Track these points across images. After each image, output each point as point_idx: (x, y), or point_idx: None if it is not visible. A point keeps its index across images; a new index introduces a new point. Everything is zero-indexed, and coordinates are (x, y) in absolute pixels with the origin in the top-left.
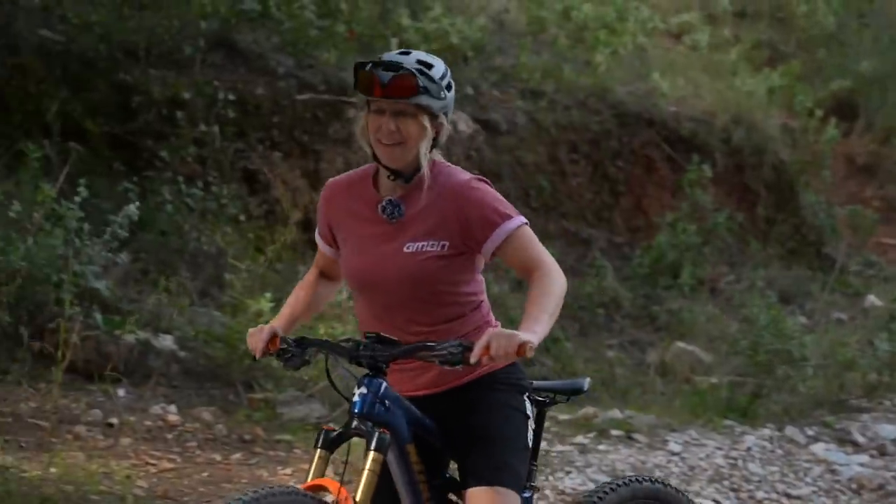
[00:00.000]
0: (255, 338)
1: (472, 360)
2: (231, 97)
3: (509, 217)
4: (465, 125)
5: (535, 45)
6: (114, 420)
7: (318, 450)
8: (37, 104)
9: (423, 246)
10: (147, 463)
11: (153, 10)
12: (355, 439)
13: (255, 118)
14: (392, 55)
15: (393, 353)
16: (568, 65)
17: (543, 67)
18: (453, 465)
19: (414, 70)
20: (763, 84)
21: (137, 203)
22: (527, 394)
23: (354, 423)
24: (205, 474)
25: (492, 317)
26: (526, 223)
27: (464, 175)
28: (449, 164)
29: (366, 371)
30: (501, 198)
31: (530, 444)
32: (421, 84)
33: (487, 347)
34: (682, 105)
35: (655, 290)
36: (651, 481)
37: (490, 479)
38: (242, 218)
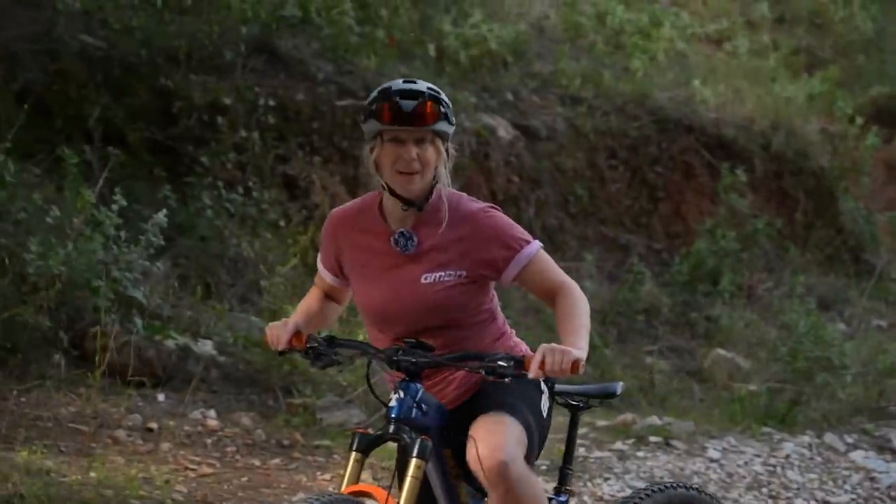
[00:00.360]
0: (278, 330)
1: (531, 376)
2: (271, 103)
3: (527, 242)
4: (505, 131)
5: (574, 51)
6: (153, 425)
7: (354, 453)
8: (78, 109)
9: (440, 276)
10: (186, 468)
11: (194, 15)
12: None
13: (295, 124)
14: (403, 84)
15: (437, 361)
16: (607, 70)
17: (583, 73)
18: None
19: (435, 97)
20: (802, 90)
21: (166, 212)
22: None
23: (391, 427)
24: (244, 479)
25: (507, 326)
26: (542, 246)
27: (477, 203)
28: (459, 192)
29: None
30: (515, 224)
31: (546, 412)
32: (441, 110)
33: (542, 362)
34: (721, 111)
35: (694, 296)
36: (686, 488)
37: (494, 409)
38: (282, 223)
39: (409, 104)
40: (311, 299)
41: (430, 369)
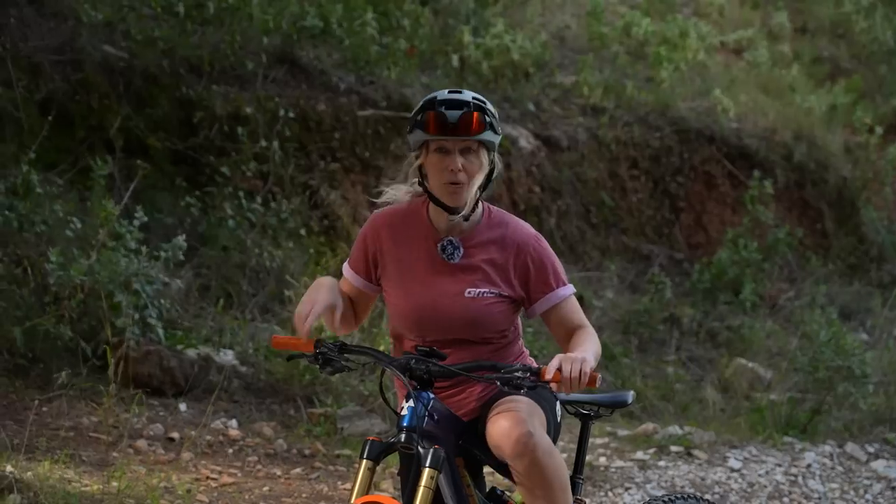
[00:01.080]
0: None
1: (547, 377)
2: (292, 113)
3: (564, 284)
4: (527, 141)
5: (596, 62)
6: (175, 434)
7: (364, 461)
8: (100, 119)
9: (484, 293)
10: (208, 477)
11: (216, 26)
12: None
13: (316, 134)
14: (449, 94)
15: (450, 370)
16: (629, 81)
17: (604, 84)
18: (500, 479)
19: (480, 107)
20: (824, 100)
21: (184, 236)
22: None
23: (403, 436)
24: (265, 489)
25: (524, 347)
26: (574, 292)
27: (530, 229)
28: (508, 213)
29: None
30: (558, 260)
31: (558, 417)
32: (487, 119)
33: (559, 370)
34: (742, 121)
35: (716, 306)
36: (696, 499)
37: (510, 395)
38: (303, 233)
39: (454, 114)
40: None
41: (452, 381)
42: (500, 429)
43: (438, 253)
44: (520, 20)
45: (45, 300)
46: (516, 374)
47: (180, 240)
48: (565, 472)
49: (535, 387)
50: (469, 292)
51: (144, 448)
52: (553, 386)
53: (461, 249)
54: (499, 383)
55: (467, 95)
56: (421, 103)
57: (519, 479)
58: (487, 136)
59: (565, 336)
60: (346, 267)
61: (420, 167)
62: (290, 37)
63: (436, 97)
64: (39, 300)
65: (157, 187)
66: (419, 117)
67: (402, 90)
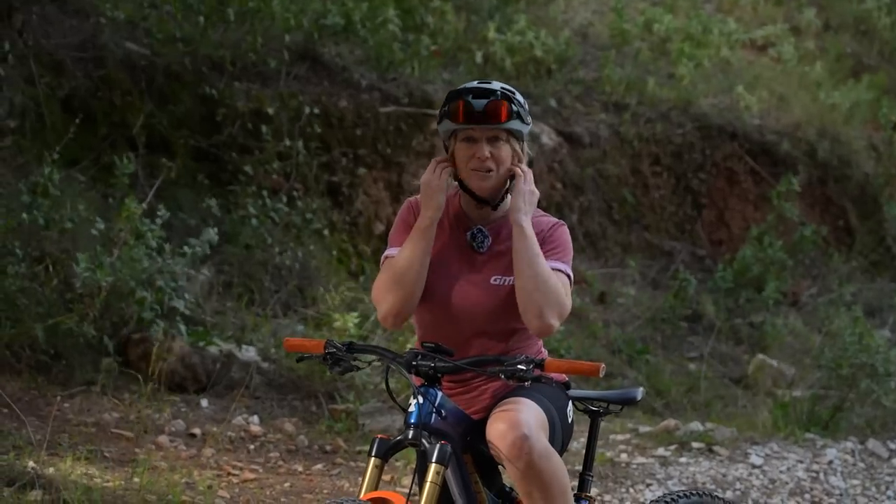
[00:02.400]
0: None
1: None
2: (315, 110)
3: (561, 262)
4: (549, 138)
5: (619, 58)
6: (197, 430)
7: (373, 458)
8: (122, 117)
9: (509, 280)
10: (229, 473)
11: (238, 23)
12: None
13: (338, 131)
14: (477, 84)
15: (457, 365)
16: (651, 77)
17: (627, 80)
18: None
19: (507, 96)
20: (847, 97)
21: (216, 229)
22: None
23: (410, 432)
24: (286, 485)
25: (544, 350)
26: (570, 278)
27: (550, 217)
28: (535, 207)
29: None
30: (570, 250)
31: (570, 418)
32: (514, 108)
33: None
34: (765, 118)
35: (738, 302)
36: (711, 496)
37: (514, 395)
38: (326, 231)
39: (480, 102)
40: None
41: (463, 380)
42: (496, 431)
43: (468, 241)
44: (543, 17)
45: (67, 297)
46: (519, 366)
47: (211, 231)
48: (563, 475)
49: (541, 379)
50: (495, 280)
51: (166, 444)
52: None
53: (489, 239)
54: (502, 376)
55: (496, 85)
56: (451, 94)
57: (516, 481)
58: (514, 124)
59: None
60: (389, 251)
61: (451, 157)
62: (311, 34)
63: (464, 87)
64: (62, 297)
65: (179, 185)
66: (447, 107)
67: (423, 87)
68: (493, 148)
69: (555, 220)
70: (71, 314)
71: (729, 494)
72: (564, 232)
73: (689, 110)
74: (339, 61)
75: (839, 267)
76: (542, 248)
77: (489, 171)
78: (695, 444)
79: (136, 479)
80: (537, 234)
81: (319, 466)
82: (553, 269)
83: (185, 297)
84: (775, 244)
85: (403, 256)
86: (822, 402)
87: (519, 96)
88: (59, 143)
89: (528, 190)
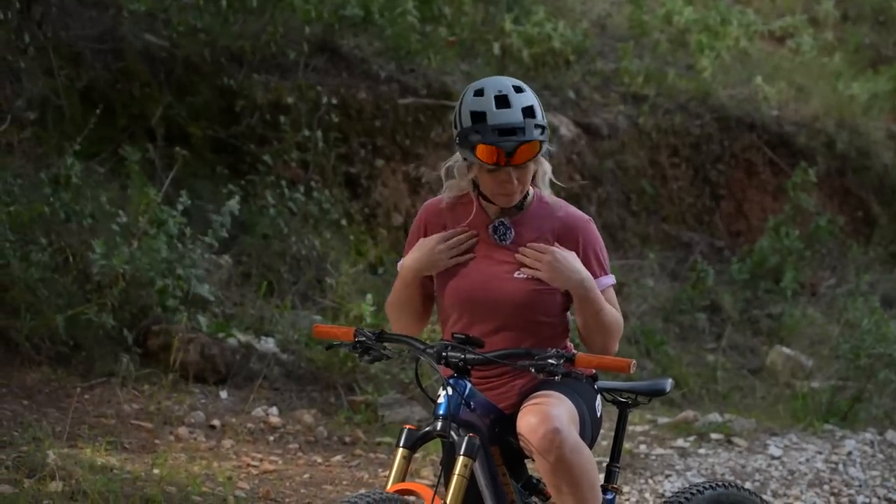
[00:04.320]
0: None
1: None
2: (333, 101)
3: (606, 273)
4: (567, 129)
5: (637, 49)
6: (216, 422)
7: (401, 449)
8: (141, 108)
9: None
10: (249, 464)
11: (257, 15)
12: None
13: (357, 122)
14: (498, 110)
15: (488, 357)
16: (670, 69)
17: (645, 71)
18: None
19: (536, 137)
20: (866, 88)
21: (238, 198)
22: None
23: (439, 424)
24: (306, 476)
25: (571, 345)
26: (614, 283)
27: (578, 212)
28: (557, 197)
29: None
30: (604, 248)
31: (599, 412)
32: (541, 140)
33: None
34: (784, 109)
35: (756, 294)
36: (737, 488)
37: (544, 390)
38: (344, 222)
39: (509, 146)
40: None
41: (493, 373)
42: (527, 424)
43: (490, 234)
44: (561, 8)
45: (87, 288)
46: (549, 360)
47: (234, 202)
48: (593, 469)
49: (570, 374)
50: (519, 273)
51: (186, 435)
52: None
53: (512, 231)
54: (532, 370)
55: (516, 109)
56: (469, 120)
57: (546, 475)
58: (541, 154)
59: None
60: (401, 263)
61: (467, 171)
62: (331, 26)
63: (484, 114)
64: (82, 288)
65: (197, 176)
66: (471, 139)
67: (442, 78)
68: (518, 174)
69: (583, 216)
70: (90, 304)
71: (748, 485)
72: (596, 231)
73: (707, 102)
74: (358, 53)
75: (858, 258)
76: (588, 263)
77: (513, 194)
78: (713, 436)
79: (155, 471)
80: (570, 240)
81: (339, 457)
82: (603, 290)
83: (205, 285)
84: (792, 234)
85: (394, 297)
86: (840, 392)
87: (538, 111)
88: (79, 135)
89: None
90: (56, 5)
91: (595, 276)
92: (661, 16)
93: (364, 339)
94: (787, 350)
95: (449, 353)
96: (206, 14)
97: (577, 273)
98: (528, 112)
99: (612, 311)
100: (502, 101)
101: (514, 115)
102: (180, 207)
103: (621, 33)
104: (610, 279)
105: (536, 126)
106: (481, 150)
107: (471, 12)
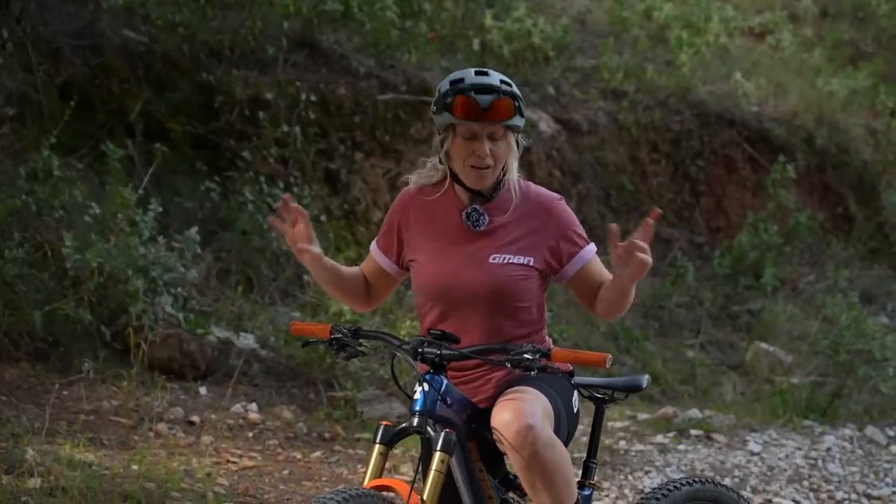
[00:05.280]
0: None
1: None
2: (313, 97)
3: (587, 241)
4: (547, 125)
5: (617, 45)
6: (195, 418)
7: (377, 445)
8: (120, 104)
9: (509, 258)
10: (228, 461)
11: (236, 10)
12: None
13: (336, 118)
14: (477, 77)
15: (463, 353)
16: (650, 65)
17: (625, 67)
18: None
19: (510, 92)
20: (845, 84)
21: (196, 228)
22: (572, 381)
23: (415, 420)
24: (285, 472)
25: (549, 339)
26: (597, 249)
27: (548, 192)
28: (526, 180)
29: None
30: (577, 220)
31: (576, 408)
32: (516, 105)
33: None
34: (764, 105)
35: (736, 289)
36: (715, 484)
37: (519, 385)
38: (323, 218)
39: (485, 100)
40: (346, 267)
41: (469, 368)
42: (502, 420)
43: (463, 220)
44: (541, 4)
45: (64, 284)
46: (525, 355)
47: (193, 232)
48: (567, 465)
49: (546, 369)
50: (494, 258)
51: (165, 431)
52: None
53: (486, 217)
54: (508, 364)
55: (495, 78)
56: (447, 85)
57: (520, 471)
58: (515, 121)
59: (595, 294)
60: (373, 245)
61: (443, 149)
62: (310, 21)
63: (463, 79)
64: (59, 284)
65: (177, 171)
66: (448, 100)
67: (422, 74)
68: (492, 144)
69: (554, 196)
70: (67, 300)
71: (727, 481)
72: (567, 208)
73: (687, 97)
74: (338, 48)
75: (837, 254)
76: (569, 240)
77: (487, 167)
78: (693, 432)
79: (134, 467)
80: (545, 221)
81: (318, 454)
82: (591, 259)
83: (177, 289)
84: (771, 230)
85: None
86: (820, 388)
87: (517, 89)
88: (57, 132)
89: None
90: (35, 1)
91: (581, 247)
92: (641, 12)
93: (340, 335)
94: (766, 346)
95: (425, 350)
96: (184, 9)
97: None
98: (507, 85)
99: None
100: (481, 73)
101: (492, 80)
102: (151, 214)
103: (601, 29)
104: (593, 246)
105: (516, 101)
106: (458, 103)
107: (451, 8)
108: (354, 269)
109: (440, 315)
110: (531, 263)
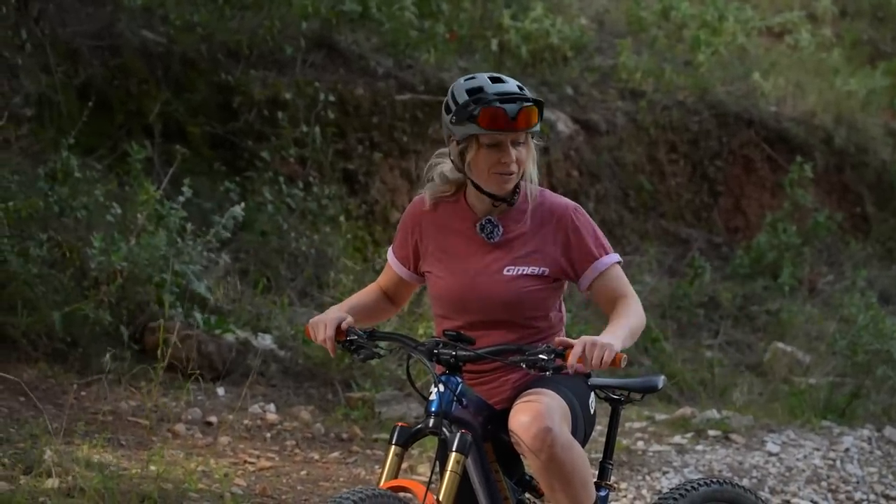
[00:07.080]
0: (321, 330)
1: (568, 363)
2: (331, 98)
3: (607, 252)
4: (565, 125)
5: (635, 45)
6: (213, 419)
7: (393, 446)
8: (138, 105)
9: (523, 270)
10: (245, 461)
11: (255, 10)
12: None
13: (354, 118)
14: (495, 85)
15: (478, 354)
16: (668, 65)
17: (643, 67)
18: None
19: (533, 98)
20: (864, 84)
21: (242, 204)
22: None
23: (431, 421)
24: (303, 473)
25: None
26: (621, 261)
27: (565, 200)
28: (542, 188)
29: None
30: (598, 229)
31: (592, 409)
32: (540, 111)
33: (581, 356)
34: (782, 105)
35: (754, 290)
36: (732, 485)
37: (536, 386)
38: (342, 218)
39: (512, 109)
40: (363, 294)
41: (485, 370)
42: (519, 422)
43: (477, 232)
44: (559, 4)
45: (84, 285)
46: (540, 356)
47: (238, 208)
48: (585, 467)
49: (561, 369)
50: (508, 270)
51: (182, 432)
52: (577, 367)
53: (500, 228)
54: (523, 365)
55: (512, 84)
56: (466, 95)
57: (538, 473)
58: (537, 127)
59: (610, 305)
60: (390, 253)
61: (460, 158)
62: (328, 21)
63: (482, 87)
64: (79, 285)
65: (195, 172)
66: (471, 110)
67: (440, 74)
68: (516, 151)
69: (569, 205)
70: (87, 301)
71: (745, 482)
72: (585, 216)
73: (705, 98)
74: (356, 49)
75: (855, 254)
76: (583, 251)
77: (512, 173)
78: (711, 432)
79: (152, 467)
80: (559, 231)
81: (336, 454)
82: (609, 268)
83: (203, 282)
84: (790, 230)
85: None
86: (838, 389)
87: (528, 92)
88: (76, 133)
89: (598, 350)
90: (53, 2)
91: (598, 258)
92: (659, 11)
93: (356, 337)
94: (784, 346)
95: (440, 351)
96: (202, 9)
97: (614, 341)
98: (521, 89)
99: (637, 320)
100: (496, 79)
101: (510, 87)
102: (182, 199)
103: (619, 29)
104: (613, 257)
105: (536, 103)
106: (484, 114)
107: (469, 8)
108: (372, 294)
109: (455, 325)
110: (546, 273)
